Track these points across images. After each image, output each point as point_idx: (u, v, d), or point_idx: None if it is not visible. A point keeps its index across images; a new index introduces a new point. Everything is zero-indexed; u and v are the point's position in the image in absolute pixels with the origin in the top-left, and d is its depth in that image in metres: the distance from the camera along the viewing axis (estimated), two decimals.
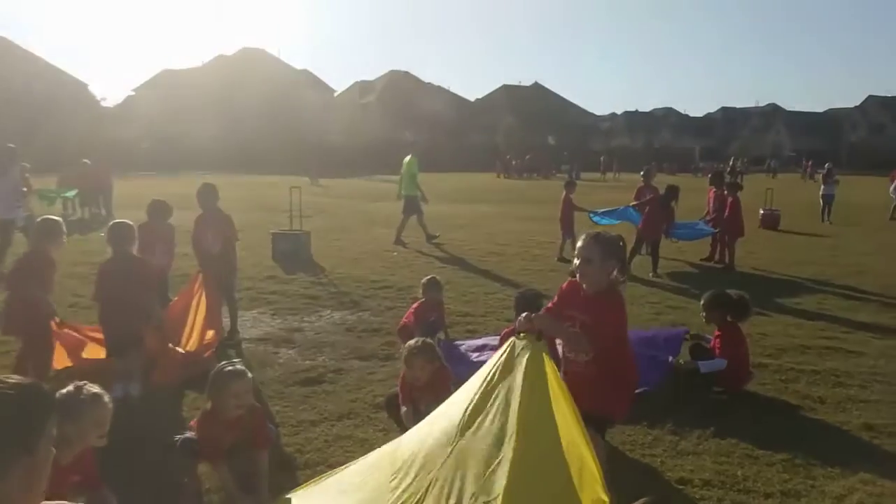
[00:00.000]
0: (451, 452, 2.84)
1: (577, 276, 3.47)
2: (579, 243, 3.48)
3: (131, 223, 5.41)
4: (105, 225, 13.39)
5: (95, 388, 3.01)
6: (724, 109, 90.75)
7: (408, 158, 13.90)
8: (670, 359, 5.45)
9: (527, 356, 2.89)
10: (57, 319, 5.33)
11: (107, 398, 3.01)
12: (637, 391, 3.90)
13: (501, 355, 2.99)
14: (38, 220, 5.43)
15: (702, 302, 5.65)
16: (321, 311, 7.70)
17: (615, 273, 3.43)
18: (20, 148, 10.78)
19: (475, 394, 2.95)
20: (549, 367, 2.89)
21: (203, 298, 6.01)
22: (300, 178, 28.66)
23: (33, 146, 31.37)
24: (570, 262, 11.14)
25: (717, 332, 5.49)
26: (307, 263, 10.49)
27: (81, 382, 3.03)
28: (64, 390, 2.92)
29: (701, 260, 11.77)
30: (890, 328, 7.32)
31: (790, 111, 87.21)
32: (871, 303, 8.65)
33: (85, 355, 5.53)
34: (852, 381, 5.53)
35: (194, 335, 5.88)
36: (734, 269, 11.02)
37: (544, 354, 2.91)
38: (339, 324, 7.15)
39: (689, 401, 4.98)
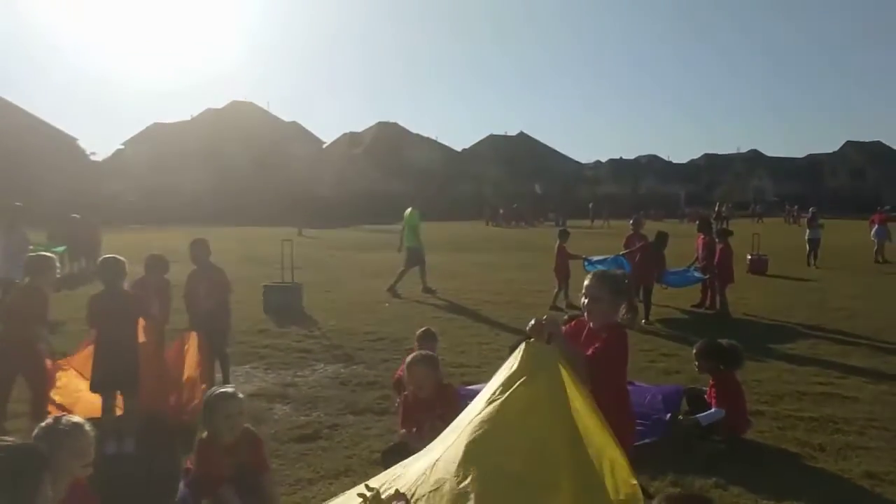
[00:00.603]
0: (462, 457, 2.78)
1: (585, 314, 3.54)
2: (587, 282, 3.55)
3: (122, 258, 5.40)
4: (92, 282, 13.36)
5: (75, 418, 2.98)
6: (707, 156, 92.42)
7: (409, 211, 14.08)
8: (668, 416, 5.41)
9: (538, 357, 2.94)
10: (51, 361, 5.32)
11: (87, 426, 2.94)
12: (637, 443, 3.89)
13: (514, 362, 2.99)
14: (29, 256, 5.45)
15: (694, 352, 5.67)
16: (314, 364, 7.64)
17: (623, 311, 3.51)
18: (9, 201, 10.80)
19: (488, 399, 2.94)
20: (563, 365, 2.94)
21: (195, 356, 5.95)
22: (288, 229, 28.80)
23: (22, 200, 31.40)
24: (562, 310, 11.20)
25: (711, 382, 5.49)
26: (299, 316, 10.44)
27: (61, 414, 3.01)
28: (44, 423, 2.90)
29: (692, 306, 11.83)
30: (883, 373, 7.35)
31: (771, 157, 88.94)
32: (862, 347, 8.70)
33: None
34: (850, 428, 5.52)
35: (185, 390, 5.80)
36: (729, 314, 11.07)
37: (557, 353, 2.98)
38: (332, 378, 7.08)
39: (689, 451, 4.95)
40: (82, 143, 58.51)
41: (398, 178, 63.88)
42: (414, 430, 4.20)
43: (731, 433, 5.19)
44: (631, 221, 12.48)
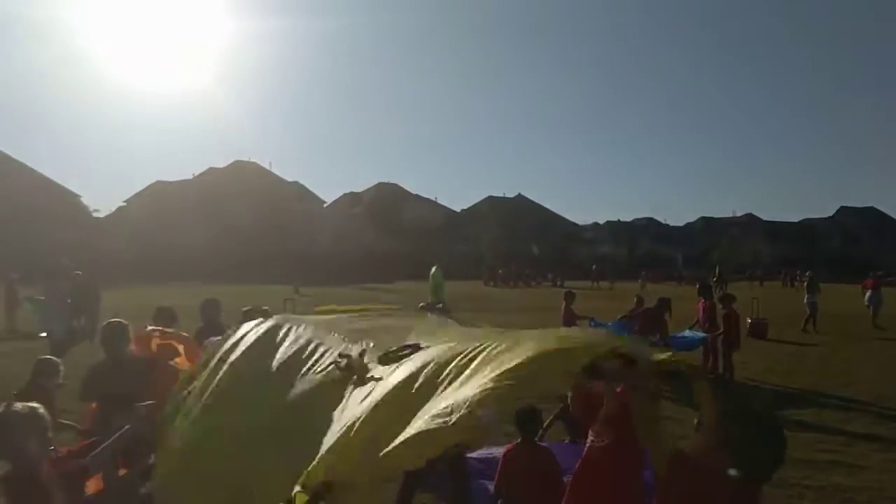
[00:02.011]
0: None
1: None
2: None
3: (125, 322, 5.28)
4: (93, 339, 13.35)
5: (26, 404, 3.00)
6: (703, 219, 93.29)
7: (434, 269, 14.27)
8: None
9: None
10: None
11: (41, 410, 2.99)
12: None
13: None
14: (38, 359, 5.44)
15: (695, 422, 5.64)
16: None
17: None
18: (13, 257, 11.19)
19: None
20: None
21: None
22: (285, 287, 28.80)
23: (25, 255, 31.50)
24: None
25: None
26: None
27: (7, 403, 3.02)
28: None
29: None
30: (890, 440, 7.31)
31: (767, 220, 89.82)
32: (866, 413, 8.67)
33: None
34: (860, 498, 5.48)
35: None
36: (733, 379, 11.02)
37: None
38: None
39: None
40: (85, 200, 59.16)
41: (398, 237, 64.42)
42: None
43: None
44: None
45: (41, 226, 45.99)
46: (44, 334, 10.59)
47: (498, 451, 5.78)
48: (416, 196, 78.32)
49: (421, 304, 14.06)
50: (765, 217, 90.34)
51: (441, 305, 13.63)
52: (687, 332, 12.25)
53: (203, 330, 6.75)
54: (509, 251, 59.10)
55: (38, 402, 4.75)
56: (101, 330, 5.17)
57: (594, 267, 48.09)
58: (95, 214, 60.32)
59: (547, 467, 4.50)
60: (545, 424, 5.36)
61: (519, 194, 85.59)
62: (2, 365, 11.00)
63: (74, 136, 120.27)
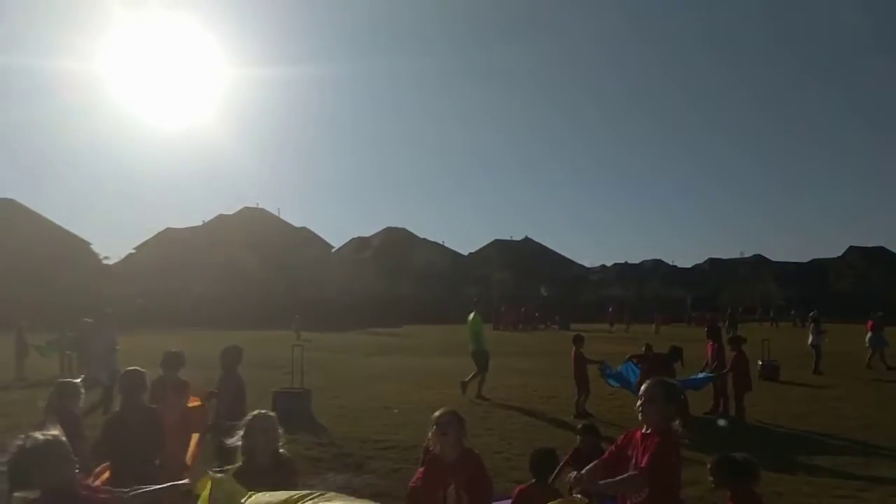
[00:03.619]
0: None
1: (640, 415, 3.69)
2: (644, 386, 3.71)
3: (143, 370, 5.39)
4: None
5: (44, 433, 2.97)
6: (711, 260, 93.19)
7: (472, 315, 14.33)
8: None
9: None
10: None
11: (60, 436, 2.98)
12: None
13: None
14: (57, 382, 5.50)
15: (708, 467, 5.60)
16: (324, 473, 7.53)
17: (675, 420, 3.62)
18: (24, 306, 11.63)
19: None
20: None
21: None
22: (286, 331, 28.80)
23: (36, 303, 31.70)
24: (590, 414, 11.04)
25: (729, 498, 5.36)
26: (308, 423, 10.35)
27: (33, 432, 2.99)
28: (18, 442, 2.89)
29: (704, 413, 11.67)
30: None
31: (775, 261, 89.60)
32: (884, 458, 8.52)
33: None
34: None
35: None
36: (744, 421, 10.90)
37: None
38: (343, 488, 6.94)
39: None
40: (95, 247, 59.72)
41: (406, 281, 64.52)
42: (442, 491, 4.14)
43: None
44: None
45: (52, 273, 46.35)
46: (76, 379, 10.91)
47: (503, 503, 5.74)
48: (424, 240, 78.67)
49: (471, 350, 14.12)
50: (773, 258, 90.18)
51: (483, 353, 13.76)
52: (698, 375, 12.18)
53: (223, 378, 6.85)
54: (517, 294, 58.95)
55: (64, 424, 4.81)
56: (120, 378, 5.35)
57: (610, 309, 47.32)
58: (105, 261, 60.82)
59: None
60: (556, 470, 5.33)
61: (526, 237, 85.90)
62: (13, 412, 11.01)
63: (84, 183, 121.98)
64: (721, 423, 11.01)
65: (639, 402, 3.72)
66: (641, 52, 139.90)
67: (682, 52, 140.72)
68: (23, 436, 2.93)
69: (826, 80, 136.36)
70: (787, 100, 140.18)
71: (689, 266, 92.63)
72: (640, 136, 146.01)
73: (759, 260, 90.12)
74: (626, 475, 3.53)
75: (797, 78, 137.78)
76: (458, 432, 4.27)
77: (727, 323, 33.32)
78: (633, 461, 3.58)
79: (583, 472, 3.46)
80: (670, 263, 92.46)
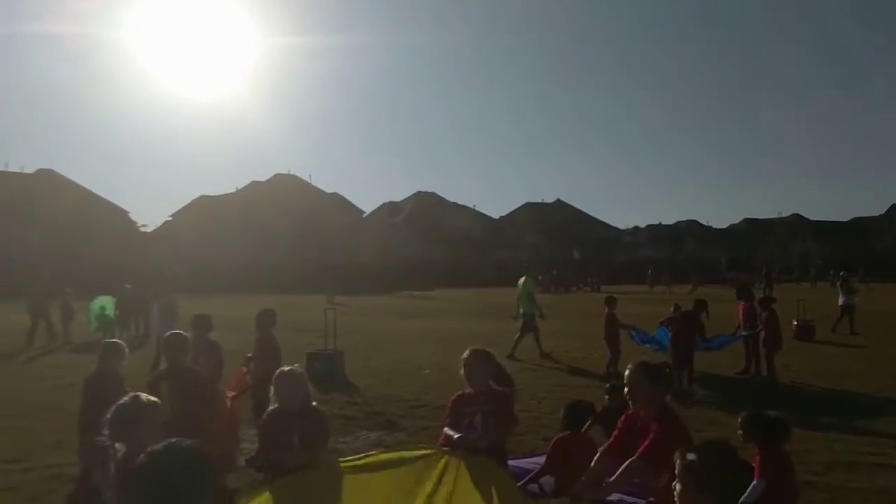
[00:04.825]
0: None
1: (630, 403, 3.71)
2: (626, 372, 3.70)
3: (186, 335, 5.66)
4: (144, 345, 14.03)
5: (150, 397, 3.31)
6: (747, 220, 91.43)
7: (522, 279, 14.49)
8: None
9: None
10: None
11: (159, 403, 3.31)
12: None
13: None
14: (103, 343, 5.74)
15: (738, 421, 5.62)
16: (357, 431, 7.74)
17: (665, 398, 3.62)
18: (66, 273, 12.15)
19: None
20: None
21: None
22: (319, 296, 29.20)
23: (79, 271, 32.64)
24: (622, 376, 11.12)
25: (757, 453, 5.40)
26: (342, 383, 10.60)
27: (136, 393, 3.33)
28: (121, 401, 3.21)
29: (737, 373, 11.64)
30: None
31: (814, 220, 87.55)
32: None
33: None
34: None
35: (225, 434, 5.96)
36: (776, 381, 10.86)
37: None
38: (375, 444, 7.15)
39: None
40: (133, 216, 60.99)
41: (437, 245, 64.70)
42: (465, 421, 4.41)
43: None
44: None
45: (93, 240, 47.59)
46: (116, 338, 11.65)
47: (535, 462, 5.85)
48: (455, 204, 78.55)
49: (515, 316, 14.43)
50: (812, 217, 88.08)
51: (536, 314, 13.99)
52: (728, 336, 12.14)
53: (259, 341, 7.06)
54: (549, 257, 58.74)
55: (112, 383, 5.12)
56: (164, 341, 5.68)
57: (649, 271, 47.11)
58: (143, 229, 62.15)
59: (593, 454, 4.65)
60: (586, 426, 5.44)
61: (558, 200, 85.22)
62: (62, 374, 11.48)
63: (121, 153, 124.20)
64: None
65: (626, 390, 3.72)
66: (675, 5, 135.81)
67: (716, 4, 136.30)
68: (128, 396, 3.28)
69: (868, 25, 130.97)
70: (827, 50, 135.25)
71: (725, 227, 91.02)
72: (673, 93, 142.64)
73: (796, 219, 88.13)
74: (623, 466, 3.56)
75: (835, 26, 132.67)
76: (480, 370, 4.50)
77: (763, 283, 32.73)
78: (641, 449, 3.60)
79: (579, 488, 3.56)
80: (705, 224, 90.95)
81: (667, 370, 3.78)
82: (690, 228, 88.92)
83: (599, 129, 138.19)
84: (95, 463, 5.30)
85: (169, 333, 5.80)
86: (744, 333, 11.81)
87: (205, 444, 5.21)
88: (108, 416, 3.17)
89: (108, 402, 5.15)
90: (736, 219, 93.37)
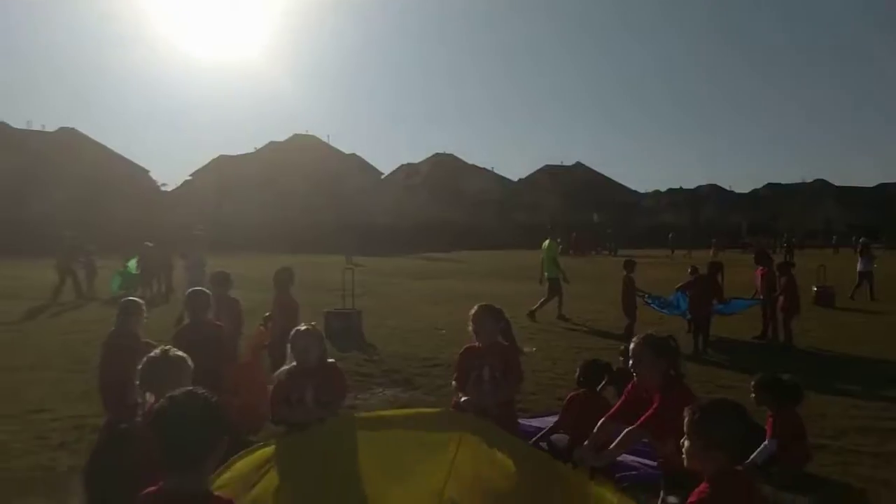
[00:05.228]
0: None
1: (635, 377, 3.75)
2: (631, 345, 3.72)
3: (207, 291, 5.77)
4: (167, 301, 14.33)
5: (180, 352, 3.42)
6: (770, 185, 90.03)
7: (546, 242, 14.53)
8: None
9: None
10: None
11: (189, 360, 3.40)
12: None
13: None
14: (121, 301, 5.84)
15: (752, 384, 5.64)
16: (374, 388, 7.87)
17: (669, 371, 3.63)
18: (88, 231, 12.42)
19: None
20: None
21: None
22: (338, 257, 29.36)
23: (101, 229, 33.05)
24: None
25: (769, 415, 5.43)
26: (359, 341, 10.74)
27: (167, 347, 3.47)
28: (152, 354, 3.34)
29: (753, 338, 11.61)
30: None
31: (839, 186, 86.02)
32: None
33: None
34: None
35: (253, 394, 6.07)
36: (792, 346, 10.83)
37: None
38: (391, 401, 7.28)
39: None
40: (153, 175, 61.41)
41: (454, 207, 64.57)
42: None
43: (791, 467, 5.13)
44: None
45: (114, 199, 48.09)
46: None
47: (546, 421, 5.93)
48: (473, 166, 78.10)
49: (540, 279, 14.51)
50: (837, 182, 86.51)
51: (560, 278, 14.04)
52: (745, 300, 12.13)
53: (277, 299, 7.17)
54: (568, 220, 58.45)
55: (131, 339, 5.26)
56: (186, 298, 5.84)
57: (670, 235, 46.75)
58: (163, 188, 62.62)
59: (607, 411, 4.72)
60: (600, 385, 5.49)
61: (577, 163, 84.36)
62: (88, 328, 11.74)
63: (141, 112, 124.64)
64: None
65: (630, 364, 3.76)
66: None
67: None
68: (158, 350, 3.41)
69: None
70: (852, 14, 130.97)
71: (747, 191, 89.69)
72: (697, 54, 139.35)
73: (821, 185, 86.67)
74: (623, 434, 3.60)
75: None
76: (488, 324, 4.62)
77: (784, 249, 32.37)
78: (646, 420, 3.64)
79: (579, 452, 3.62)
80: (727, 189, 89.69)
81: (672, 342, 3.76)
82: (712, 193, 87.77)
83: (621, 90, 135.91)
84: (117, 416, 5.50)
85: (190, 290, 5.91)
86: (759, 299, 11.75)
87: (227, 398, 5.35)
88: (140, 367, 3.29)
89: (125, 359, 5.29)
90: (759, 183, 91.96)
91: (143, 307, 5.65)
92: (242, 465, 3.55)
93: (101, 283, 18.17)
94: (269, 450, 3.63)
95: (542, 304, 13.76)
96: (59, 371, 8.56)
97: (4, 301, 15.85)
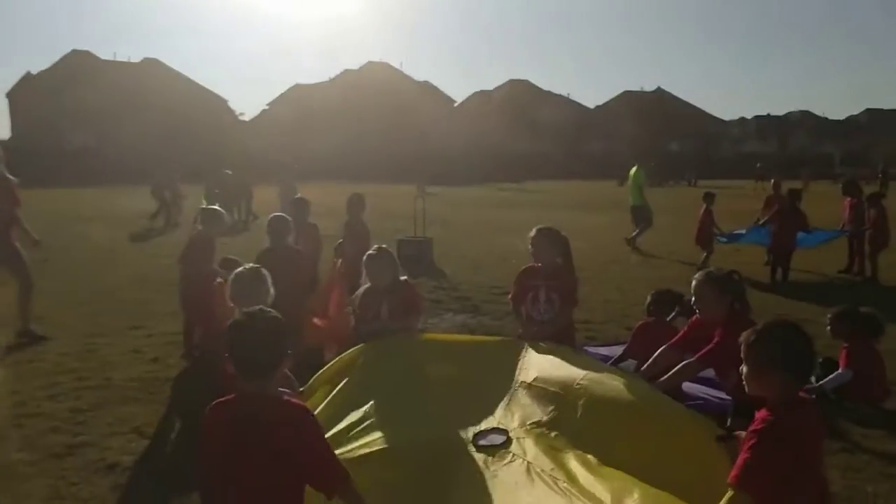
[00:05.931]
0: None
1: (697, 312, 3.75)
2: (693, 283, 3.70)
3: (288, 217, 6.01)
4: (247, 228, 14.89)
5: (264, 271, 3.75)
6: (869, 111, 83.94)
7: (633, 170, 14.35)
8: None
9: None
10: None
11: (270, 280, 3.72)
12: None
13: None
14: (202, 209, 6.21)
15: (828, 316, 5.47)
16: (444, 314, 8.07)
17: (734, 305, 3.61)
18: (171, 159, 13.02)
19: None
20: None
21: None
22: (409, 187, 29.56)
23: (182, 157, 34.35)
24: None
25: (843, 347, 5.27)
26: (430, 269, 10.95)
27: (256, 265, 3.84)
28: (241, 269, 3.72)
29: (839, 272, 11.15)
30: None
31: None
32: None
33: None
34: None
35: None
36: (878, 281, 10.37)
37: None
38: (460, 326, 7.47)
39: None
40: (232, 104, 62.86)
41: (529, 136, 63.48)
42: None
43: (866, 400, 5.01)
44: (772, 182, 11.90)
45: (194, 128, 49.67)
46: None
47: (615, 350, 5.96)
48: (548, 93, 76.12)
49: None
50: None
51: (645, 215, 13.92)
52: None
53: (349, 224, 7.39)
54: (646, 149, 56.59)
55: (210, 246, 5.66)
56: (268, 222, 6.11)
57: (758, 165, 44.39)
58: (241, 118, 64.12)
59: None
60: (671, 315, 5.50)
61: (658, 88, 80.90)
62: (176, 254, 12.41)
63: (220, 43, 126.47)
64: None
65: (692, 302, 3.78)
66: None
67: None
68: (247, 266, 3.80)
69: None
70: None
71: (842, 118, 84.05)
72: None
73: None
74: (679, 366, 3.62)
75: None
76: (546, 246, 4.76)
77: (879, 180, 30.45)
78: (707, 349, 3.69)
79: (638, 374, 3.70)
80: (820, 115, 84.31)
81: (736, 275, 3.72)
82: (803, 120, 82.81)
83: (705, 9, 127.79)
84: (194, 325, 5.95)
85: (272, 216, 6.17)
86: (845, 231, 11.21)
87: (309, 320, 5.65)
88: (230, 279, 3.65)
89: (202, 261, 5.61)
90: (856, 109, 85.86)
91: (223, 215, 6.05)
92: (325, 375, 3.80)
93: (190, 210, 19.06)
94: (347, 358, 3.86)
95: (640, 233, 13.64)
96: (152, 292, 9.13)
97: (97, 226, 16.89)
